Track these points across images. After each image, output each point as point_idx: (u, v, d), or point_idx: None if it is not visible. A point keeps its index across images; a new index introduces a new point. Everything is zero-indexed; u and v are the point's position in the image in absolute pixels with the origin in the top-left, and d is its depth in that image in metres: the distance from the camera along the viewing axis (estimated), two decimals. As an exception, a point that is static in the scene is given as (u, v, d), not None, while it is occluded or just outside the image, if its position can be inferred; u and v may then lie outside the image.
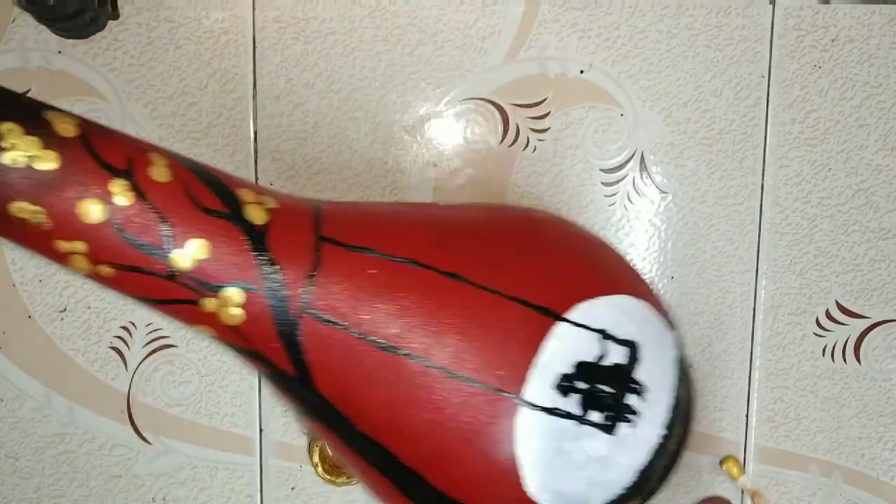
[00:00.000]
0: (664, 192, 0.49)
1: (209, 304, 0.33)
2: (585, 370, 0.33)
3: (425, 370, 0.33)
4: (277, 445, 0.50)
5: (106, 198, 0.31)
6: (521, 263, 0.35)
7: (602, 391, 0.33)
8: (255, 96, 0.48)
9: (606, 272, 0.36)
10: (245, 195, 0.34)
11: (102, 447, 0.50)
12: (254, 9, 0.47)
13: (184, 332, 0.49)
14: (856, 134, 0.49)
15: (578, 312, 0.33)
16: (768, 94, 0.49)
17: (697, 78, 0.48)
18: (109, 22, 0.47)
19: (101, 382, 0.50)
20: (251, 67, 0.48)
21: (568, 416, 0.33)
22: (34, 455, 0.50)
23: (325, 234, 0.34)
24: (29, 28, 0.47)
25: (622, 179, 0.49)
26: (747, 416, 0.51)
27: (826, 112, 0.49)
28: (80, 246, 0.31)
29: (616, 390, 0.34)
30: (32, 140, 0.30)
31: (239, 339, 0.35)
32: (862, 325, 0.50)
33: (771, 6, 0.48)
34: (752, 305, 0.50)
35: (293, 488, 0.51)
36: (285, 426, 0.50)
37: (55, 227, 0.31)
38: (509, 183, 0.49)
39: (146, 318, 0.49)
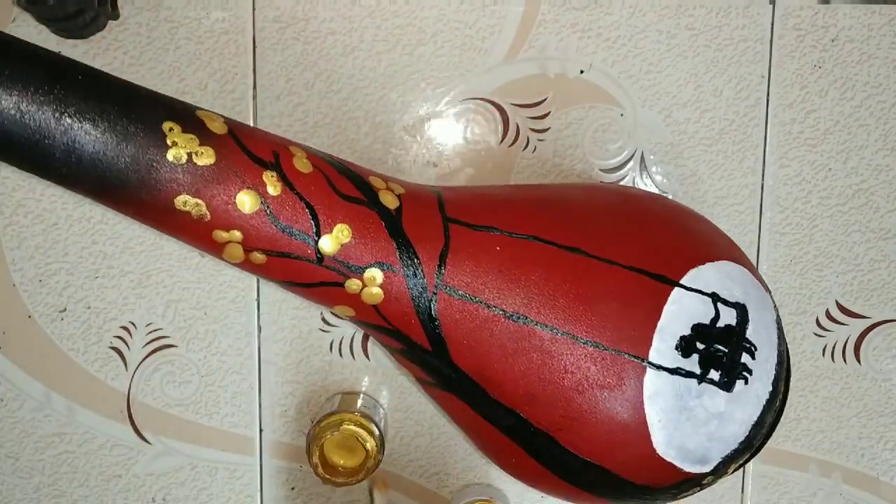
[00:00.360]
0: (664, 192, 0.49)
1: (352, 285, 0.35)
2: (702, 331, 0.35)
3: (554, 337, 0.35)
4: (277, 445, 0.50)
5: (259, 188, 0.33)
6: (632, 235, 0.37)
7: (719, 351, 0.35)
8: (255, 96, 0.48)
9: (708, 240, 0.38)
10: (376, 182, 0.36)
11: (102, 447, 0.50)
12: (254, 9, 0.47)
13: (184, 332, 0.49)
14: (856, 134, 0.49)
15: (691, 277, 0.35)
16: (768, 94, 0.49)
17: (697, 78, 0.48)
18: (109, 22, 0.47)
19: (101, 382, 0.50)
20: (251, 67, 0.48)
21: (690, 374, 0.35)
22: (34, 455, 0.50)
23: (450, 216, 0.37)
24: (29, 28, 0.47)
25: (622, 179, 0.49)
26: (747, 416, 0.51)
27: (826, 112, 0.49)
28: (236, 235, 0.34)
29: (731, 350, 0.35)
30: (190, 137, 0.32)
31: (377, 317, 0.37)
32: (862, 325, 0.50)
33: (771, 6, 0.48)
34: (752, 305, 0.50)
35: (293, 488, 0.51)
36: (285, 426, 0.50)
37: (214, 219, 0.33)
38: (509, 182, 0.49)
39: (146, 317, 0.49)
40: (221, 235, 0.34)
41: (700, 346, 0.35)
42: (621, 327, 0.35)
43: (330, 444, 0.45)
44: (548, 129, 0.48)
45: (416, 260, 0.35)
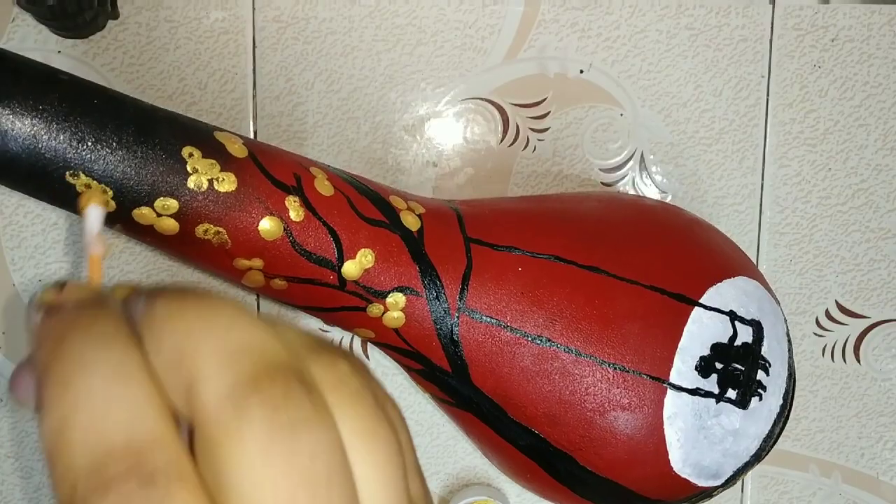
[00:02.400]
0: (664, 192, 0.49)
1: (374, 309, 0.35)
2: (721, 351, 0.35)
3: (577, 360, 0.35)
4: (277, 445, 0.50)
5: (282, 214, 0.32)
6: (651, 252, 0.37)
7: (737, 369, 0.35)
8: (255, 96, 0.48)
9: (724, 255, 0.38)
10: (397, 202, 0.36)
11: (102, 447, 0.50)
12: (254, 9, 0.47)
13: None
14: (856, 134, 0.49)
15: (710, 296, 0.36)
16: (768, 94, 0.49)
17: (697, 78, 0.48)
18: (109, 22, 0.47)
19: (101, 382, 0.50)
20: (251, 67, 0.48)
21: (709, 395, 0.35)
22: (34, 455, 0.50)
23: (471, 236, 0.36)
24: (29, 28, 0.47)
25: (622, 179, 0.49)
26: (747, 415, 0.51)
27: (826, 112, 0.49)
28: (257, 262, 0.32)
29: (748, 368, 0.36)
30: (211, 163, 0.31)
31: (398, 340, 0.36)
32: (862, 325, 0.50)
33: (771, 6, 0.48)
34: (752, 305, 0.50)
35: (293, 488, 0.51)
36: (285, 426, 0.50)
37: (235, 246, 0.32)
38: (509, 183, 0.49)
39: (146, 317, 0.49)
40: (243, 263, 0.32)
41: (719, 365, 0.35)
42: (643, 348, 0.35)
43: None
44: (547, 128, 0.48)
45: (438, 283, 0.35)
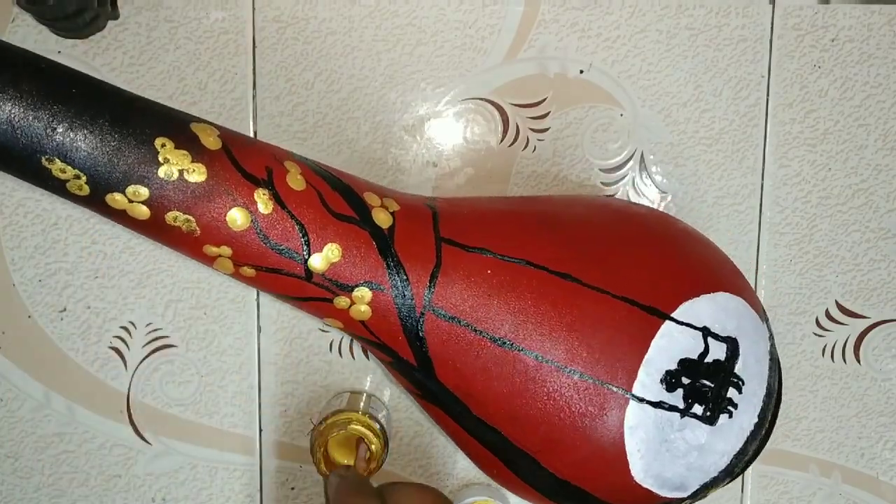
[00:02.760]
0: (664, 192, 0.49)
1: (341, 301, 0.36)
2: (689, 366, 0.35)
3: (539, 364, 0.35)
4: (277, 445, 0.50)
5: (250, 207, 0.33)
6: (627, 262, 0.36)
7: (705, 386, 0.35)
8: (254, 96, 0.48)
9: (708, 268, 0.38)
10: (371, 199, 0.36)
11: (102, 447, 0.50)
12: (253, 9, 0.47)
13: (184, 332, 0.49)
14: (856, 134, 0.49)
15: (683, 311, 0.35)
16: (768, 94, 0.49)
17: (697, 78, 0.48)
18: (109, 22, 0.47)
19: (101, 382, 0.50)
20: (251, 67, 0.48)
21: (673, 409, 0.35)
22: (34, 455, 0.50)
23: (444, 235, 0.37)
24: (29, 28, 0.47)
25: (622, 179, 0.49)
26: (747, 415, 0.51)
27: (826, 112, 0.49)
28: (226, 250, 0.34)
29: (717, 385, 0.35)
30: (183, 154, 0.32)
31: (366, 332, 0.37)
32: (862, 325, 0.50)
33: (770, 6, 0.48)
34: (752, 305, 0.50)
35: (293, 488, 0.51)
36: (285, 426, 0.50)
37: (204, 234, 0.33)
38: (509, 183, 0.49)
39: (146, 317, 0.49)
40: (211, 250, 0.34)
41: (686, 380, 0.35)
42: (607, 358, 0.35)
43: (334, 442, 0.45)
44: (547, 128, 0.48)
45: (405, 280, 0.35)
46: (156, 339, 0.49)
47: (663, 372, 0.35)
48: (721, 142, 0.49)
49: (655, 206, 0.49)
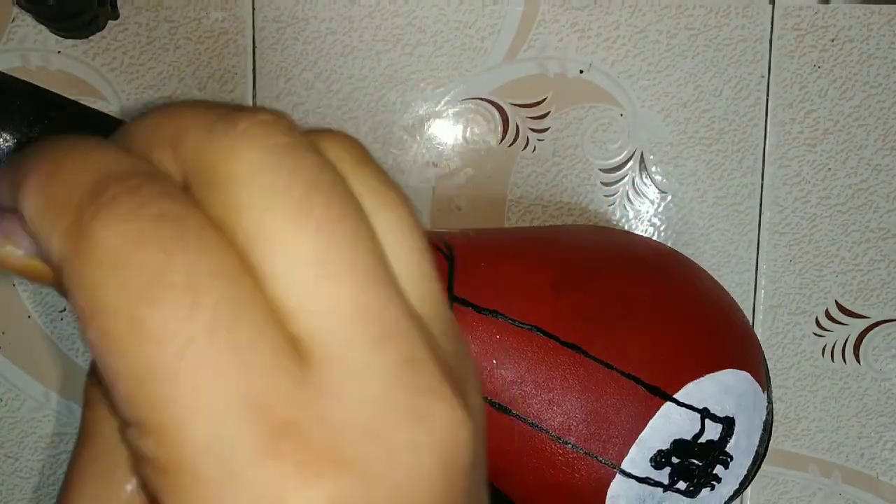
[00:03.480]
0: (664, 192, 0.49)
1: None
2: (681, 447, 0.35)
3: (534, 433, 0.35)
4: (277, 445, 0.50)
5: None
6: (637, 337, 0.36)
7: (693, 465, 0.35)
8: (254, 96, 0.48)
9: (718, 345, 0.38)
10: None
11: (102, 447, 0.50)
12: (253, 9, 0.47)
13: (183, 332, 0.49)
14: (855, 134, 0.49)
15: (686, 392, 0.35)
16: (768, 94, 0.49)
17: (697, 78, 0.48)
18: (109, 22, 0.47)
19: (101, 382, 0.50)
20: (251, 67, 0.48)
21: (657, 484, 0.35)
22: (34, 455, 0.50)
23: (457, 294, 0.37)
24: (29, 28, 0.47)
25: (622, 179, 0.49)
26: (747, 415, 0.51)
27: (826, 112, 0.49)
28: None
29: (705, 464, 0.36)
30: None
31: None
32: (862, 325, 0.50)
33: (771, 6, 0.48)
34: (752, 305, 0.50)
35: (293, 488, 0.51)
36: (285, 426, 0.50)
37: None
38: (509, 183, 0.49)
39: (146, 318, 0.49)
40: None
41: (675, 460, 0.35)
42: (603, 433, 0.35)
43: None
44: (547, 128, 0.48)
45: None
46: (156, 339, 0.49)
47: (655, 451, 0.35)
48: (721, 142, 0.49)
49: (655, 206, 0.49)
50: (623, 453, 0.35)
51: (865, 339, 0.51)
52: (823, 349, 0.51)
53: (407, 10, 0.47)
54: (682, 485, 0.35)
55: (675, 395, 0.35)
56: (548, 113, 0.48)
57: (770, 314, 0.50)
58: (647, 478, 0.35)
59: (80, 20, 0.44)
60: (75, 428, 0.50)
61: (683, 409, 0.35)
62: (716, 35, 0.48)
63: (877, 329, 0.51)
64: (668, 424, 0.35)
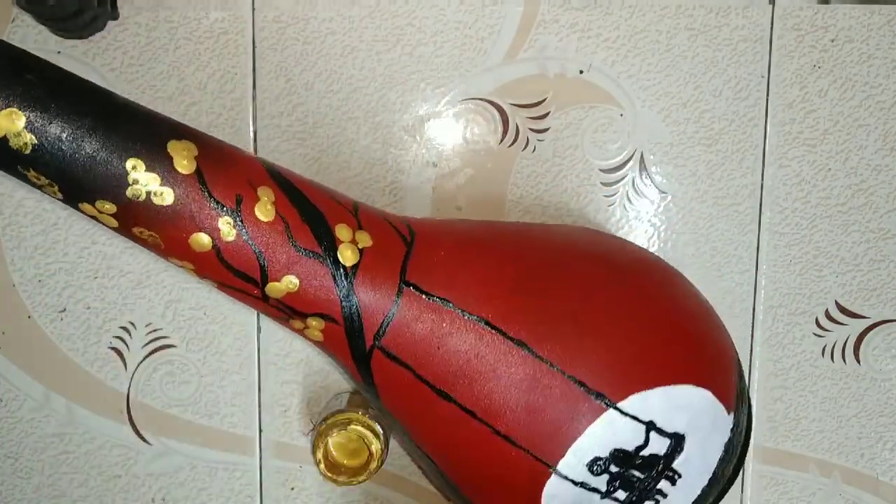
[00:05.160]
0: (664, 192, 0.49)
1: (296, 324, 0.37)
2: (621, 457, 0.35)
3: (473, 422, 0.36)
4: (277, 445, 0.50)
5: (214, 233, 0.34)
6: (591, 343, 0.36)
7: (633, 476, 0.35)
8: (254, 96, 0.48)
9: (676, 358, 0.37)
10: (342, 233, 0.37)
11: (102, 447, 0.50)
12: (253, 9, 0.47)
13: (184, 332, 0.49)
14: (855, 134, 0.49)
15: (631, 402, 0.35)
16: (767, 94, 0.49)
17: (697, 78, 0.48)
18: (109, 22, 0.47)
19: (101, 382, 0.50)
20: (251, 67, 0.48)
21: (594, 490, 0.35)
22: (33, 455, 0.50)
23: (409, 279, 0.37)
24: (29, 28, 0.47)
25: (622, 180, 0.49)
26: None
27: (825, 112, 0.49)
28: (188, 265, 0.35)
29: (647, 477, 0.35)
30: (152, 176, 0.34)
31: (320, 347, 0.39)
32: (862, 325, 0.50)
33: (770, 6, 0.48)
34: (752, 305, 0.50)
35: (293, 488, 0.51)
36: (285, 426, 0.50)
37: (168, 249, 0.35)
38: (509, 183, 0.49)
39: (146, 318, 0.49)
40: (175, 261, 0.35)
41: (614, 469, 0.35)
42: (542, 432, 0.35)
43: (335, 442, 0.45)
44: (547, 129, 0.48)
45: (357, 320, 0.36)
46: (155, 339, 0.49)
47: (592, 457, 0.34)
48: (721, 142, 0.49)
49: (655, 207, 0.49)
50: (559, 454, 0.34)
51: (865, 339, 0.51)
52: (823, 349, 0.51)
53: (407, 10, 0.47)
54: (621, 494, 0.35)
55: (619, 404, 0.34)
56: (548, 113, 0.48)
57: (770, 314, 0.50)
58: (584, 482, 0.35)
59: (80, 20, 0.44)
60: (75, 428, 0.50)
61: (627, 418, 0.34)
62: (716, 35, 0.48)
63: (877, 329, 0.51)
64: (609, 432, 0.34)
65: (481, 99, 0.48)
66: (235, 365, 0.50)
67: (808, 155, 0.49)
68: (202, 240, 0.34)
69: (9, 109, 0.31)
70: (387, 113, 0.48)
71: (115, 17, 0.46)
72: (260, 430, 0.50)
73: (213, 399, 0.50)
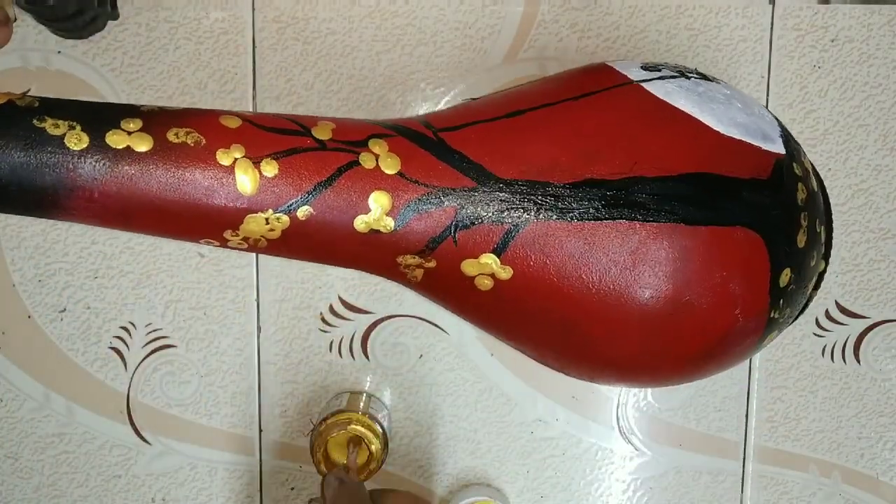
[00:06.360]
0: (664, 193, 0.49)
1: (367, 160, 0.35)
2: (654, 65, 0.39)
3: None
4: (277, 445, 0.50)
5: (234, 114, 0.34)
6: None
7: (678, 66, 0.39)
8: (254, 97, 0.48)
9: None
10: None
11: (102, 447, 0.50)
12: (253, 9, 0.47)
13: (183, 333, 0.49)
14: (855, 134, 0.49)
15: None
16: (768, 94, 0.49)
17: (697, 78, 0.48)
18: (109, 22, 0.47)
19: (101, 382, 0.50)
20: (251, 67, 0.48)
21: (672, 77, 0.37)
22: (34, 455, 0.50)
23: (437, 126, 0.37)
24: (29, 28, 0.47)
25: (622, 179, 0.49)
26: (747, 416, 0.51)
27: (825, 112, 0.49)
28: (239, 150, 0.33)
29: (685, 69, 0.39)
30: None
31: (412, 185, 0.35)
32: (862, 325, 0.50)
33: (770, 6, 0.48)
34: (752, 305, 0.50)
35: (293, 488, 0.51)
36: (285, 426, 0.50)
37: (210, 140, 0.33)
38: (509, 183, 0.49)
39: (146, 318, 0.49)
40: (226, 156, 0.33)
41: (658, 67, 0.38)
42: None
43: (334, 442, 0.45)
44: (547, 129, 0.48)
45: (402, 125, 0.36)
46: (156, 339, 0.49)
47: (640, 64, 0.39)
48: (721, 142, 0.49)
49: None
50: (626, 69, 0.39)
51: (865, 339, 0.51)
52: (823, 349, 0.51)
53: (407, 10, 0.47)
54: (691, 74, 0.38)
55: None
56: (548, 113, 0.48)
57: (770, 314, 0.50)
58: (660, 77, 0.37)
59: (80, 20, 0.44)
60: (75, 428, 0.50)
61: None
62: (716, 35, 0.48)
63: (877, 329, 0.51)
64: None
65: (481, 99, 0.48)
66: (235, 365, 0.50)
67: (808, 155, 0.49)
68: (230, 120, 0.33)
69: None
70: (387, 113, 0.48)
71: (115, 17, 0.46)
72: (260, 430, 0.50)
73: (212, 399, 0.50)
